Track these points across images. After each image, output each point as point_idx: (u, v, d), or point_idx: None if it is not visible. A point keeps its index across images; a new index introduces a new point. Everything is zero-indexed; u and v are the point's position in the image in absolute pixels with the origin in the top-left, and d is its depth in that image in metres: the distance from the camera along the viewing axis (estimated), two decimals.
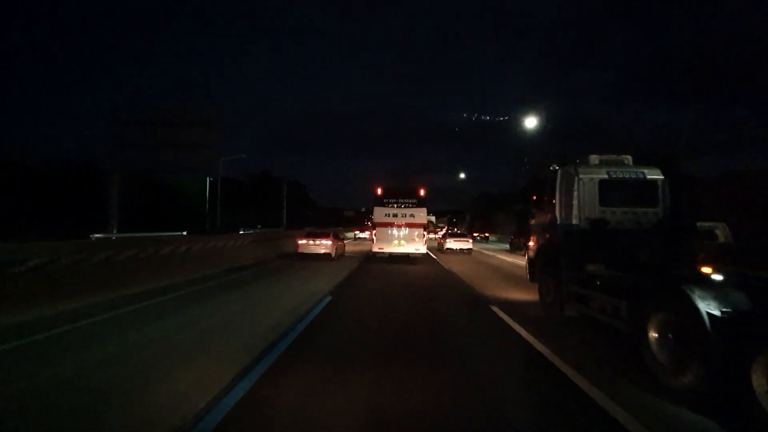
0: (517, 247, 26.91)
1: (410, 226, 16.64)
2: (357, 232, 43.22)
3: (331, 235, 17.40)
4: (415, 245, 16.53)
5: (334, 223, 51.47)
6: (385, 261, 16.48)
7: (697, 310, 3.44)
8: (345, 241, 21.82)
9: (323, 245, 16.65)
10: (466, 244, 22.97)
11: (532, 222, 8.06)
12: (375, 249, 16.73)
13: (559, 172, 6.71)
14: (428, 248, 18.90)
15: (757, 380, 2.99)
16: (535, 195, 7.94)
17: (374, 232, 17.00)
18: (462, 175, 54.29)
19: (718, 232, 5.12)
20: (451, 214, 64.73)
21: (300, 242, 16.97)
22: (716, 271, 3.47)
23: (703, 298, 3.48)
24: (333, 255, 16.72)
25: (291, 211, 43.19)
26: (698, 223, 5.20)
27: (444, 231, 33.73)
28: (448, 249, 22.70)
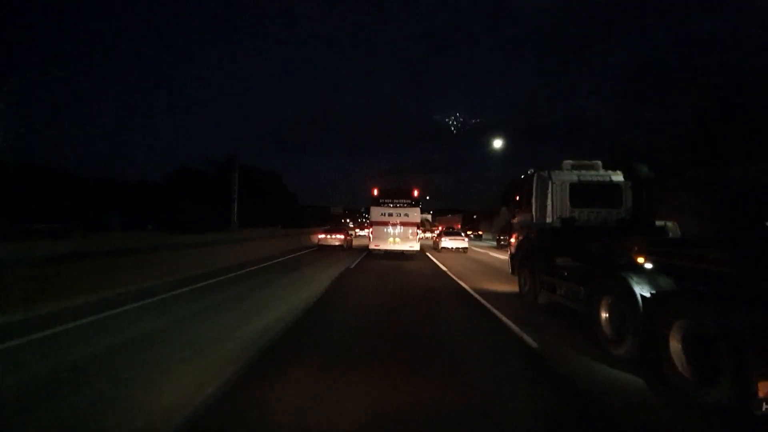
0: (501, 245, 28.48)
1: (405, 224, 17.89)
2: (357, 230, 43.61)
3: (343, 231, 23.33)
4: (409, 243, 17.80)
5: (315, 222, 46.94)
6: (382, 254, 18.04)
7: (632, 292, 4.25)
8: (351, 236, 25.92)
9: (337, 239, 21.77)
10: (461, 243, 22.37)
11: (514, 221, 8.88)
12: (372, 246, 18.06)
13: (535, 176, 7.52)
14: (424, 247, 20.57)
15: (673, 346, 3.80)
16: (515, 196, 8.76)
17: (371, 230, 18.42)
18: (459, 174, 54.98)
19: (669, 228, 5.99)
20: (435, 211, 64.84)
21: (320, 236, 22.39)
22: (648, 260, 4.27)
23: (638, 283, 4.30)
24: (345, 246, 21.76)
25: (261, 206, 37.47)
26: (656, 222, 6.06)
27: (439, 230, 34.25)
28: (443, 248, 22.24)
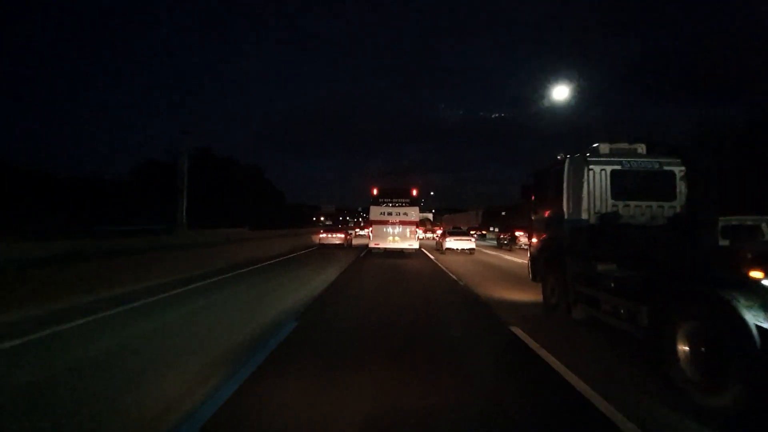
0: (503, 243, 26.32)
1: (404, 223, 18.28)
2: (357, 230, 42.23)
3: (343, 231, 24.51)
4: (408, 241, 18.13)
5: (299, 224, 43.72)
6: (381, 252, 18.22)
7: (743, 321, 2.88)
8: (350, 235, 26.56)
9: (338, 237, 23.31)
10: (468, 243, 20.17)
11: (534, 217, 7.50)
12: (371, 245, 18.40)
13: (566, 162, 6.12)
14: (426, 248, 20.19)
15: None
16: (537, 188, 7.36)
17: (371, 229, 18.74)
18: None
19: (765, 228, 4.50)
20: (436, 211, 61.76)
21: (321, 236, 23.63)
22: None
23: (749, 308, 2.92)
24: (345, 245, 23.13)
25: (234, 203, 33.18)
26: (739, 219, 4.62)
27: (442, 229, 32.54)
28: (448, 249, 20.04)
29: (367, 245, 19.65)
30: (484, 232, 42.43)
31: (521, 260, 16.13)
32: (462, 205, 73.88)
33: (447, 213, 67.01)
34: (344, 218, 78.24)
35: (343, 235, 23.29)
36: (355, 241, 28.01)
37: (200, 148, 38.20)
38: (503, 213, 26.72)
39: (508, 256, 18.92)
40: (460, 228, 27.11)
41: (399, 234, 18.16)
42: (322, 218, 63.11)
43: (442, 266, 13.75)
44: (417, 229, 18.61)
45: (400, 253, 18.13)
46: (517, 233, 24.33)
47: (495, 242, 30.24)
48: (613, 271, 5.09)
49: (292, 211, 57.51)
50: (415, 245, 18.24)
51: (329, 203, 74.11)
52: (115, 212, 23.92)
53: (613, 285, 4.88)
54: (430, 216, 47.91)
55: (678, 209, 5.72)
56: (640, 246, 5.06)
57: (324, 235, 23.37)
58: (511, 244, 24.64)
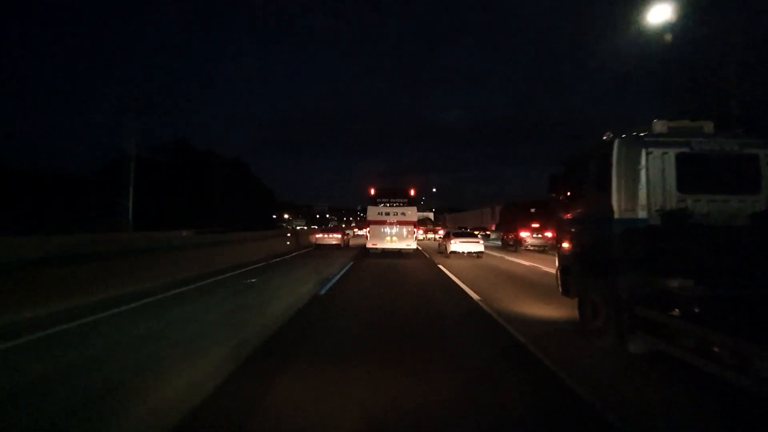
0: (507, 244, 24.67)
1: (401, 223, 18.05)
2: (356, 230, 41.05)
3: (340, 231, 24.24)
4: (406, 241, 17.95)
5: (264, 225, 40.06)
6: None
7: None
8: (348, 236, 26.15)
9: (334, 238, 22.71)
10: (475, 246, 17.72)
11: (566, 216, 6.07)
12: (369, 245, 18.14)
13: (615, 143, 4.71)
14: (427, 251, 19.41)
15: None
16: (571, 179, 5.93)
17: (368, 229, 18.51)
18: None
19: None
20: (436, 210, 58.01)
21: (317, 236, 23.20)
22: None
23: None
24: (342, 245, 22.53)
25: (209, 200, 29.73)
26: None
27: (445, 230, 30.72)
28: (453, 252, 17.71)
29: (364, 245, 19.30)
30: (488, 232, 40.87)
31: (531, 263, 14.92)
32: (462, 205, 71.29)
33: (446, 213, 64.30)
34: (344, 217, 75.18)
35: (339, 236, 23.13)
36: (353, 242, 27.43)
37: (177, 140, 35.32)
38: (532, 209, 24.25)
39: (517, 259, 17.48)
40: (466, 229, 25.40)
41: (397, 234, 18.03)
42: (286, 215, 56.56)
43: (451, 275, 12.05)
44: (415, 229, 18.56)
45: (398, 254, 17.75)
46: (522, 234, 23.00)
47: (500, 243, 28.69)
48: (692, 289, 3.70)
49: (291, 210, 54.66)
50: (413, 245, 18.20)
51: (324, 202, 71.39)
52: (73, 211, 22.28)
53: (698, 310, 3.49)
54: (431, 215, 45.58)
55: (763, 203, 4.36)
56: (727, 255, 3.68)
57: (320, 235, 23.29)
58: (517, 246, 23.25)
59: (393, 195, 18.66)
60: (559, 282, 6.03)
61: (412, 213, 18.44)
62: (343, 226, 47.10)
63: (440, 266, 13.99)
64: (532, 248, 22.41)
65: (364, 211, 20.94)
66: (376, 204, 18.44)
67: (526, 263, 15.25)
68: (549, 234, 22.53)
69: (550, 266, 13.51)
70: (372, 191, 18.75)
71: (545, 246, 22.21)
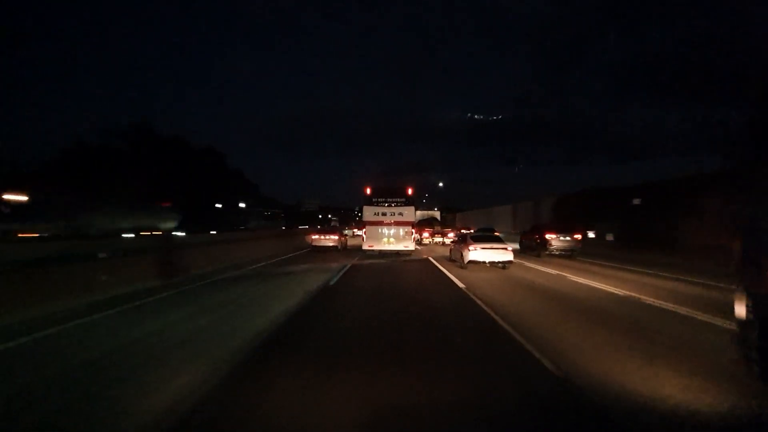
0: (528, 248, 20.04)
1: (399, 224, 17.48)
2: (355, 230, 37.84)
3: (337, 232, 23.21)
4: (404, 243, 17.44)
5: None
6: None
7: None
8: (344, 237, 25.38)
9: (331, 239, 21.83)
10: (503, 254, 12.94)
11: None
12: (365, 247, 17.55)
13: None
14: (435, 258, 17.00)
15: None
16: None
17: (364, 230, 17.88)
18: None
19: None
20: (442, 209, 49.30)
21: (313, 237, 22.43)
22: None
23: None
24: (339, 247, 21.80)
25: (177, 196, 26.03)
26: None
27: (458, 232, 25.83)
28: (471, 262, 13.06)
29: (360, 246, 18.62)
30: (496, 233, 36.01)
31: (579, 279, 10.88)
32: (462, 205, 63.11)
33: (448, 213, 55.19)
34: (342, 217, 70.52)
35: (336, 237, 22.41)
36: (351, 242, 26.88)
37: (135, 124, 29.54)
38: (636, 201, 17.35)
39: (552, 270, 13.50)
40: (491, 231, 20.20)
41: (394, 235, 17.53)
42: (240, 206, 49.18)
43: (479, 300, 7.91)
44: (413, 230, 18.21)
45: (402, 270, 15.29)
46: (547, 236, 18.97)
47: (518, 246, 23.41)
48: None
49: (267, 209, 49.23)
50: (411, 247, 17.88)
51: (315, 201, 66.60)
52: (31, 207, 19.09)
53: None
54: (437, 215, 36.69)
55: None
56: None
57: (317, 236, 22.58)
58: (540, 250, 19.10)
59: (390, 194, 17.96)
60: (755, 360, 3.29)
61: (410, 213, 17.86)
62: (339, 225, 43.86)
63: (460, 286, 9.89)
64: (556, 253, 18.36)
65: (361, 211, 20.32)
66: (372, 204, 17.74)
67: (574, 278, 11.31)
68: (578, 236, 18.92)
69: (601, 282, 10.25)
70: (368, 190, 17.97)
71: (573, 250, 18.48)
